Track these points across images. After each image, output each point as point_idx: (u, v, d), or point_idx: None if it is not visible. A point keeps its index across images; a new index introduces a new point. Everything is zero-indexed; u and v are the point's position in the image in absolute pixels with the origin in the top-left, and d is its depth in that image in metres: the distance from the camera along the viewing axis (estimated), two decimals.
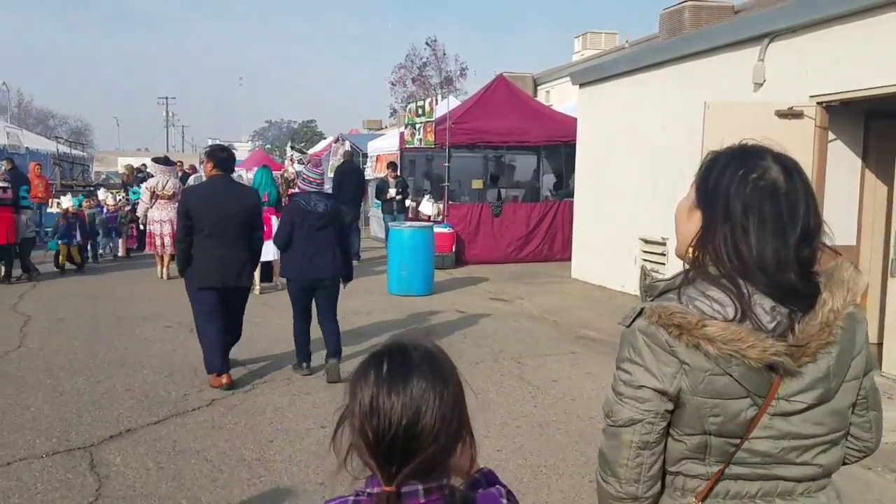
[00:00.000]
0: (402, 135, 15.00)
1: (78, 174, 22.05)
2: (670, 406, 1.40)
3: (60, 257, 11.01)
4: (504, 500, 1.28)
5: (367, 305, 8.83)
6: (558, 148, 13.23)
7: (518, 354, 6.78)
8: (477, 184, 13.94)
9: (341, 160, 15.26)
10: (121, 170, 43.25)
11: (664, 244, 8.88)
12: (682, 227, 1.52)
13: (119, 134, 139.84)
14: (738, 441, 1.39)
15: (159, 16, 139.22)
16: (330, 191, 11.28)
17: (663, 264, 8.91)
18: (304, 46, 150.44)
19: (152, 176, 13.33)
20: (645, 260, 9.28)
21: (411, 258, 9.79)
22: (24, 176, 15.23)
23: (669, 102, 8.78)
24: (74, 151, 28.75)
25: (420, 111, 13.63)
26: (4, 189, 10.02)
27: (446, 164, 12.67)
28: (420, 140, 13.65)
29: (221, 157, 5.91)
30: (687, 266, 1.46)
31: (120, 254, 13.27)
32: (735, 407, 1.37)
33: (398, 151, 15.12)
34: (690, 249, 1.47)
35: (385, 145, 16.62)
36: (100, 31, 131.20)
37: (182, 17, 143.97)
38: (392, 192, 12.90)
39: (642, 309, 1.42)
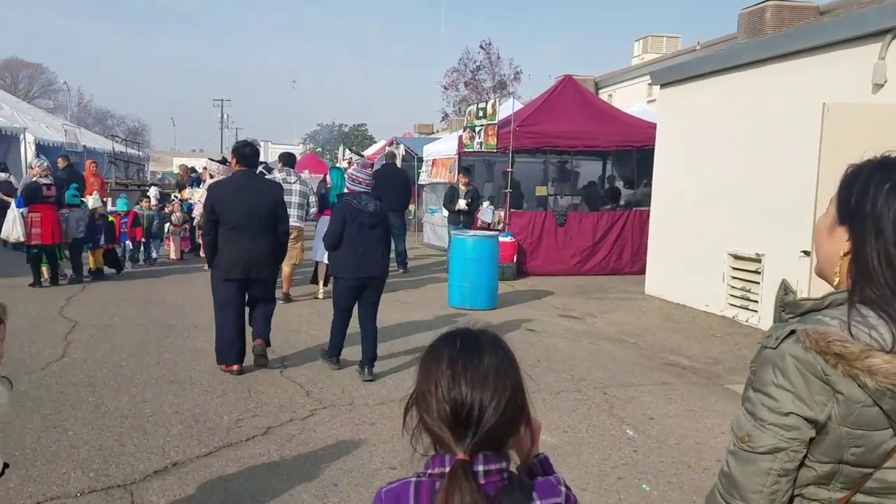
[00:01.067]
0: (460, 138, 14.38)
1: (133, 174, 21.96)
2: (814, 434, 1.35)
3: (90, 261, 10.55)
4: (562, 488, 1.35)
5: (428, 320, 8.21)
6: (629, 153, 12.41)
7: (602, 383, 6.05)
8: (541, 190, 13.21)
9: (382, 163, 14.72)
10: (176, 170, 43.87)
11: (759, 261, 8.04)
12: (824, 245, 1.47)
13: (175, 135, 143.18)
14: (870, 470, 1.36)
15: (216, 19, 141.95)
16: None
17: (757, 283, 8.06)
18: (356, 50, 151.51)
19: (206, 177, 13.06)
20: (735, 278, 8.44)
21: (475, 270, 9.12)
22: (79, 174, 15.12)
23: (769, 104, 7.94)
24: (130, 151, 28.99)
25: (481, 113, 12.98)
26: (48, 186, 9.63)
27: (509, 170, 12.00)
28: (480, 144, 13.00)
29: (245, 153, 6.07)
30: (834, 287, 1.41)
31: (172, 256, 12.90)
32: (878, 438, 1.33)
33: (456, 156, 14.50)
34: (836, 269, 1.41)
35: (442, 149, 16.02)
36: (160, 34, 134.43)
37: (238, 21, 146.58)
38: (462, 203, 11.65)
39: (792, 330, 1.35)
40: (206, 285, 10.27)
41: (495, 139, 12.26)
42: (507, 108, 12.78)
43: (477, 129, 13.06)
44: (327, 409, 5.21)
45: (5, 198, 12.28)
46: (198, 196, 13.47)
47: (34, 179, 9.68)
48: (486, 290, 9.20)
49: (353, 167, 9.41)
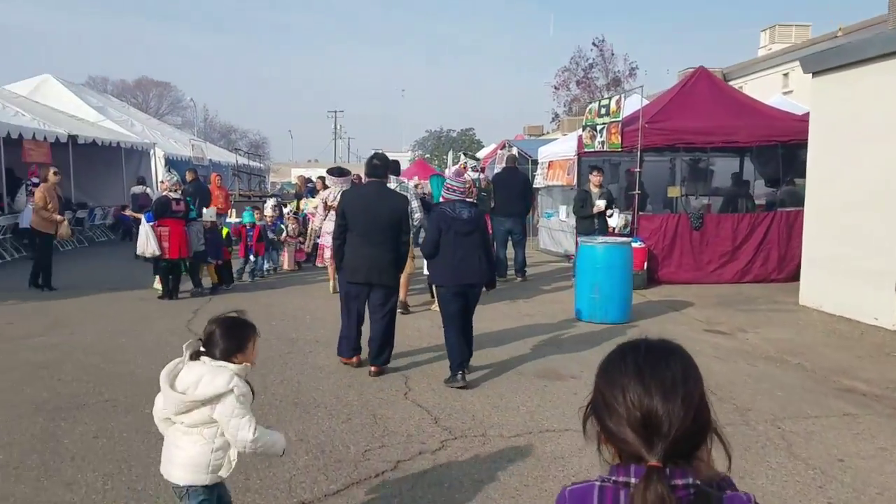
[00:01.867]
0: (579, 138, 13.65)
1: (255, 185, 22.61)
2: None
3: (209, 275, 10.56)
4: None
5: (558, 339, 7.61)
6: (772, 149, 11.26)
7: (773, 415, 5.23)
8: (673, 191, 12.25)
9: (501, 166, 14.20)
10: (293, 180, 45.33)
11: None
12: None
13: (293, 146, 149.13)
14: None
15: (328, 36, 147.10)
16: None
17: None
18: (462, 55, 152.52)
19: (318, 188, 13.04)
20: None
21: (605, 279, 8.41)
22: (205, 187, 15.62)
23: None
24: (252, 163, 30.10)
25: (603, 111, 12.20)
26: (177, 201, 9.76)
27: (637, 170, 11.18)
28: (602, 143, 12.23)
29: (374, 165, 6.49)
30: None
31: (286, 267, 12.81)
32: None
33: (575, 156, 13.78)
34: None
35: (559, 150, 15.30)
36: (276, 50, 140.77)
37: (346, 34, 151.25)
38: (601, 203, 10.46)
39: None
40: (325, 297, 10.37)
41: (620, 137, 11.47)
42: (632, 104, 11.96)
43: (598, 127, 12.30)
44: (458, 441, 4.73)
45: (136, 214, 12.72)
46: (312, 206, 13.50)
47: (164, 194, 9.88)
48: (619, 301, 8.48)
49: (448, 175, 9.03)
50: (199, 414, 2.75)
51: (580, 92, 54.78)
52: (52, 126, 16.53)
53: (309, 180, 18.75)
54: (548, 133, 43.92)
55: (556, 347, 7.19)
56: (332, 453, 4.46)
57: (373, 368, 6.14)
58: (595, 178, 10.75)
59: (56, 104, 21.34)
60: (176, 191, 9.86)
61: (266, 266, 12.26)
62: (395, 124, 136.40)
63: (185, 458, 2.80)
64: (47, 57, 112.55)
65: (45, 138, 15.63)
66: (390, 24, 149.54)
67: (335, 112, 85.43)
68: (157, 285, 9.98)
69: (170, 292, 9.68)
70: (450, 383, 5.82)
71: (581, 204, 10.72)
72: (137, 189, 17.24)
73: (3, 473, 4.12)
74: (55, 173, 10.72)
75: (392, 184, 8.90)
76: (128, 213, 16.09)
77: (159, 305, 9.29)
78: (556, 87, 53.89)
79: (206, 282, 10.42)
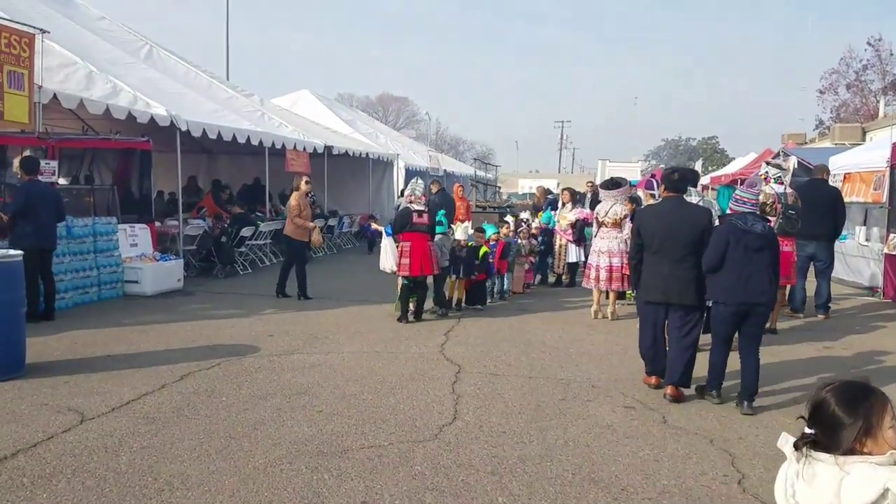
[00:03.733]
0: (894, 145, 11.10)
1: (491, 196, 22.18)
2: None
3: (455, 293, 9.72)
4: None
5: None
6: None
7: None
8: None
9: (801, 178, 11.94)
10: (521, 190, 44.93)
11: None
12: None
13: (518, 157, 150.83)
14: None
15: (557, 45, 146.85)
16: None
17: None
18: (705, 62, 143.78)
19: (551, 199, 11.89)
20: None
21: None
22: (450, 199, 15.20)
23: None
24: (479, 173, 30.02)
25: None
26: (420, 213, 8.95)
27: None
28: None
29: (672, 179, 6.17)
30: None
31: (514, 289, 11.19)
32: None
33: (888, 167, 11.23)
34: None
35: (860, 160, 12.69)
36: (507, 63, 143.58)
37: (578, 42, 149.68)
38: None
39: None
40: (587, 325, 9.04)
41: None
42: None
43: None
44: None
45: (377, 226, 12.38)
46: (566, 222, 12.32)
47: (406, 205, 9.21)
48: None
49: (740, 187, 7.41)
50: None
51: (851, 96, 48.20)
52: (310, 137, 17.24)
53: (549, 191, 17.72)
54: (812, 141, 39.10)
55: None
56: None
57: (668, 391, 5.77)
58: None
59: (311, 117, 22.64)
60: (419, 202, 9.14)
61: (506, 287, 11.01)
62: (624, 134, 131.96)
63: None
64: (302, 76, 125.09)
65: (304, 148, 16.28)
66: (627, 31, 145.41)
67: (562, 122, 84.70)
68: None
69: (407, 314, 8.84)
70: (707, 396, 5.76)
71: None
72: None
73: None
74: (307, 182, 10.71)
75: None
76: (374, 225, 16.14)
77: (408, 328, 8.66)
78: (821, 91, 47.98)
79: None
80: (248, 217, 13.56)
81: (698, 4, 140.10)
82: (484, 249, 9.87)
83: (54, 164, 9.37)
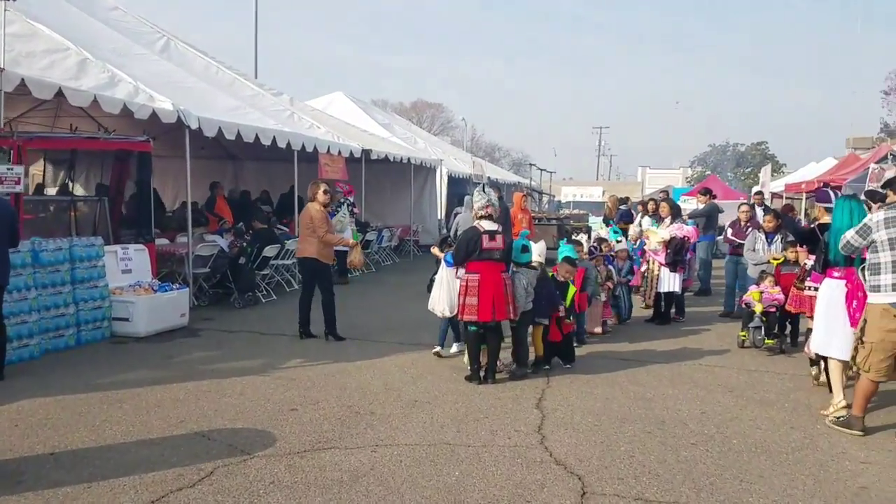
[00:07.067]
0: None
1: (548, 206, 19.71)
2: None
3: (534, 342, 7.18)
4: None
5: None
6: None
7: None
8: None
9: None
10: (564, 199, 42.23)
11: None
12: None
13: (556, 165, 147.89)
14: None
15: (597, 49, 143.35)
16: None
17: None
18: (749, 67, 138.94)
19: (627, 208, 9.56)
20: None
21: None
22: (507, 210, 12.85)
23: None
24: (523, 181, 27.62)
25: None
26: (492, 235, 6.46)
27: None
28: None
29: None
30: None
31: (593, 330, 8.77)
32: None
33: None
34: None
35: None
36: (543, 70, 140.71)
37: (617, 47, 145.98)
38: None
39: None
40: (723, 389, 6.35)
41: None
42: None
43: None
44: None
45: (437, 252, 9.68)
46: (657, 240, 9.87)
47: (474, 223, 6.76)
48: None
49: None
50: None
51: None
52: (346, 140, 15.03)
53: (624, 201, 15.27)
54: (874, 146, 36.06)
55: None
56: None
57: None
58: None
59: (346, 120, 20.50)
60: (489, 217, 6.80)
61: (586, 330, 8.49)
62: (665, 140, 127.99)
63: None
64: (335, 82, 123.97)
65: (339, 152, 14.07)
66: (666, 35, 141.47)
67: (600, 129, 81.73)
68: (462, 355, 7.05)
69: (479, 372, 6.50)
70: None
71: None
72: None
73: None
74: (325, 192, 8.41)
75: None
76: (435, 251, 13.51)
77: (483, 390, 6.31)
78: (886, 93, 44.73)
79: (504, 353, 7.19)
80: (271, 233, 11.32)
81: (740, 7, 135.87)
82: (573, 290, 7.37)
83: (19, 169, 7.22)
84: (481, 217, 6.71)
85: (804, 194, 20.72)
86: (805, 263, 6.57)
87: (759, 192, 14.38)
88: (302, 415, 5.41)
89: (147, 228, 9.37)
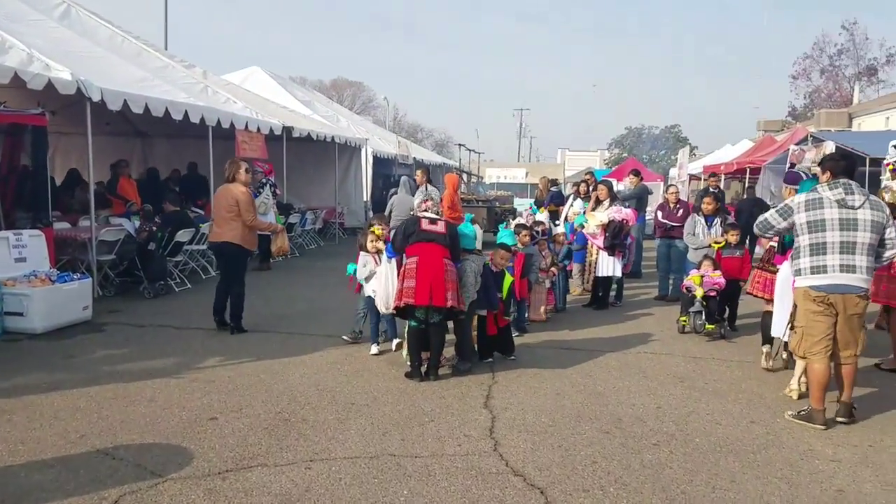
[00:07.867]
0: None
1: (475, 188, 19.36)
2: None
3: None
4: None
5: None
6: None
7: None
8: None
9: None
10: (488, 180, 42.01)
11: None
12: None
13: (479, 146, 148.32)
14: None
15: (517, 33, 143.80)
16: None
17: None
18: (665, 50, 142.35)
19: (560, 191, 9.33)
20: None
21: None
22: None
23: None
24: (448, 162, 27.17)
25: None
26: (433, 221, 6.14)
27: None
28: None
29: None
30: None
31: (533, 317, 8.39)
32: None
33: None
34: None
35: None
36: (467, 49, 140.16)
37: (535, 31, 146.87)
38: None
39: None
40: (674, 379, 6.11)
41: None
42: None
43: None
44: None
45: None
46: (595, 223, 9.60)
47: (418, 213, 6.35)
48: None
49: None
50: None
51: (824, 81, 46.95)
52: (266, 116, 14.12)
53: (554, 182, 15.02)
54: (783, 129, 37.61)
55: None
56: None
57: None
58: None
59: (265, 96, 19.43)
60: (435, 210, 6.30)
61: (526, 316, 8.19)
62: (584, 123, 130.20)
63: None
64: (252, 57, 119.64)
65: (258, 129, 13.18)
66: (583, 20, 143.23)
67: (521, 111, 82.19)
68: (403, 350, 6.57)
69: (419, 368, 5.99)
70: None
71: None
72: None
73: None
74: (247, 170, 7.72)
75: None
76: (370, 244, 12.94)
77: (426, 388, 5.83)
78: (794, 77, 46.62)
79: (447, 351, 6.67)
80: (184, 216, 10.42)
81: None
82: (509, 279, 6.92)
83: None
84: (426, 208, 6.28)
85: (722, 175, 21.14)
86: (772, 246, 6.39)
87: (714, 175, 14.36)
88: (223, 425, 4.78)
89: (44, 212, 8.38)
